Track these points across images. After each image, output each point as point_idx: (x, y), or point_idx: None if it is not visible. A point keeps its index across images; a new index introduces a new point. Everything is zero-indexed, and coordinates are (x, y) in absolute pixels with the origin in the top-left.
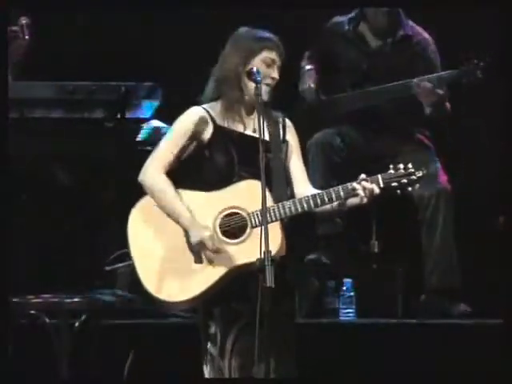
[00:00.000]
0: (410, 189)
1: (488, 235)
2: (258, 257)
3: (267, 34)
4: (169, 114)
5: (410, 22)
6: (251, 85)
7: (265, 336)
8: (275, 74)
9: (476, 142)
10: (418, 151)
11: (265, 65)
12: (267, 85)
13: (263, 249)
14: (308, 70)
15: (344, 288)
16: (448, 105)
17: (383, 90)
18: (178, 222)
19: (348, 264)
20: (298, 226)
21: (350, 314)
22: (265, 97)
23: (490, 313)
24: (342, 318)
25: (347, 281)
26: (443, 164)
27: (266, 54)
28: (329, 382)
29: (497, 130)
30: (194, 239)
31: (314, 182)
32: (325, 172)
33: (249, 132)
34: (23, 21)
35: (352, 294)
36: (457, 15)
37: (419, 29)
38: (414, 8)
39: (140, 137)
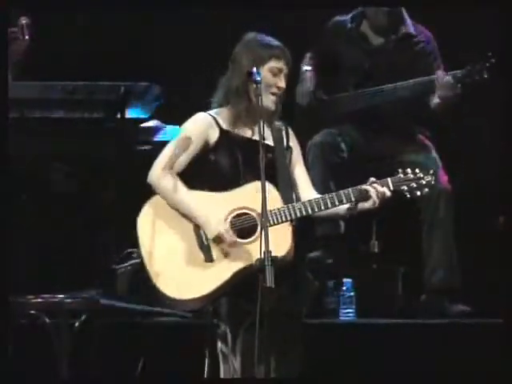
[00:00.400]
0: (418, 193)
1: (488, 235)
2: (268, 257)
3: (275, 42)
4: (169, 114)
5: (412, 20)
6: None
7: (267, 335)
8: (282, 84)
9: (476, 141)
10: (418, 151)
11: (271, 74)
12: (273, 94)
13: (263, 248)
14: (306, 70)
15: (344, 288)
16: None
17: (405, 86)
18: (191, 219)
19: (348, 264)
20: (300, 226)
21: (350, 314)
22: (272, 106)
23: (489, 313)
24: (341, 318)
25: (347, 281)
26: (443, 164)
27: (274, 64)
28: (329, 382)
29: (497, 129)
30: (212, 233)
31: (314, 183)
32: (325, 172)
33: (256, 137)
34: (23, 21)
35: (352, 293)
36: (457, 15)
37: (420, 27)
38: (414, 8)
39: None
